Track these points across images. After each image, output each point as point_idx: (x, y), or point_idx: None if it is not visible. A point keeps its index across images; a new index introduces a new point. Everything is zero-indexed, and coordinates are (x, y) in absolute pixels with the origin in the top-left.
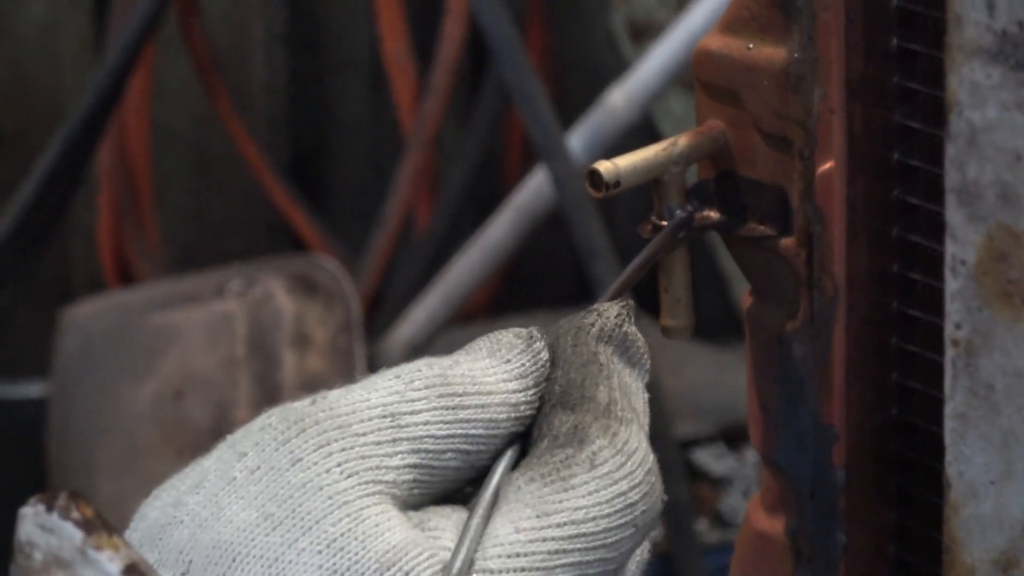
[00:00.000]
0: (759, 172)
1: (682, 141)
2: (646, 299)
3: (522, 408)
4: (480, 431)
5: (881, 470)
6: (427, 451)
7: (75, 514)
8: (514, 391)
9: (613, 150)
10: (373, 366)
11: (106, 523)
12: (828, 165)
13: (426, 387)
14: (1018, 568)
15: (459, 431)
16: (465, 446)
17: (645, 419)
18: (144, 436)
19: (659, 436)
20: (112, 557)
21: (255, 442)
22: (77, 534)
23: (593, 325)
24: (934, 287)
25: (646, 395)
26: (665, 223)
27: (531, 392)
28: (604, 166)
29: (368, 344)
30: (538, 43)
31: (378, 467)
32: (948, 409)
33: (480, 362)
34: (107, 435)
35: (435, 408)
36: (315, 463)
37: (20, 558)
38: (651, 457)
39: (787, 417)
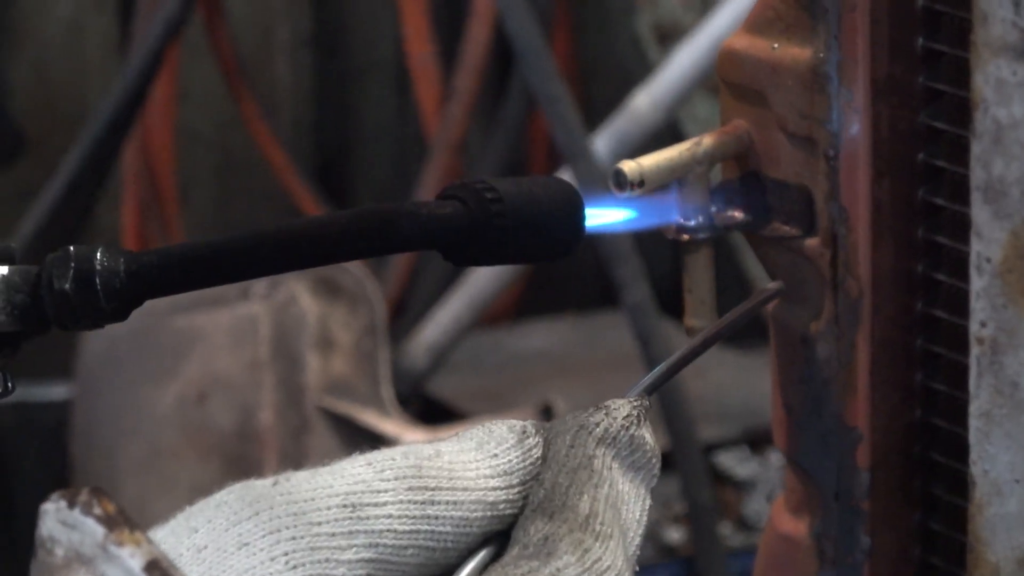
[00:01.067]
0: (784, 172)
1: (707, 141)
2: (670, 301)
3: (501, 507)
4: (449, 528)
5: (906, 472)
6: (386, 546)
7: (97, 510)
8: (494, 488)
9: (638, 153)
10: (397, 369)
11: (128, 519)
12: (853, 166)
13: (396, 478)
14: None
15: (425, 527)
16: (430, 543)
17: (638, 530)
18: (167, 438)
19: (683, 440)
20: (134, 553)
21: (208, 519)
22: (99, 530)
23: (598, 425)
24: (959, 288)
25: (647, 503)
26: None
27: (515, 491)
28: (629, 165)
29: (392, 347)
30: (563, 46)
31: (327, 560)
32: (973, 408)
33: (465, 454)
34: (130, 437)
35: (401, 501)
36: (262, 550)
37: (42, 554)
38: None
39: (811, 418)
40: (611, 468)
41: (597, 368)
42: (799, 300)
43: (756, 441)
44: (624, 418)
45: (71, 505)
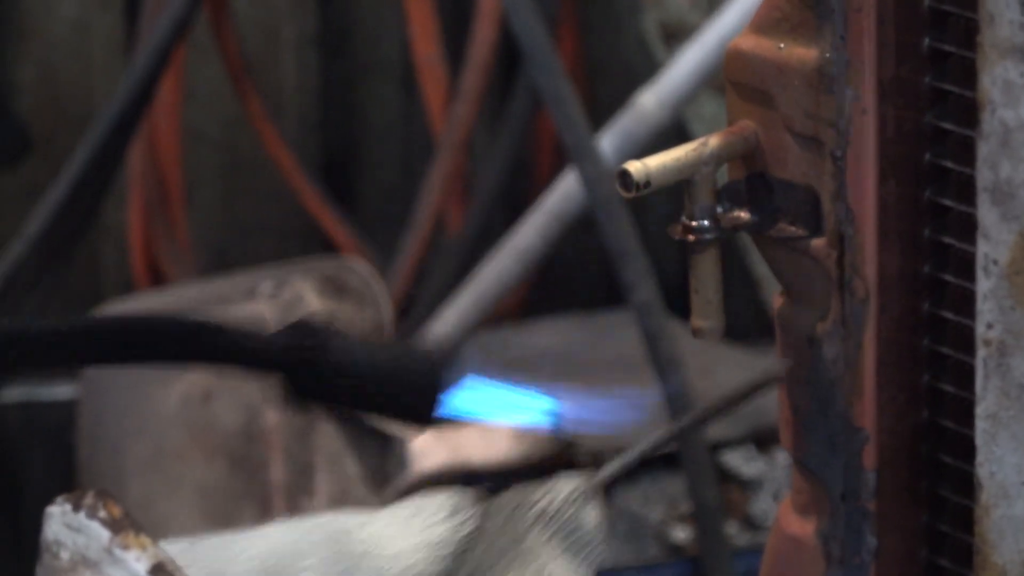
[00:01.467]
0: (790, 173)
1: (713, 141)
2: (677, 301)
3: None
4: None
5: (912, 473)
6: None
7: (102, 513)
8: (421, 561)
9: (644, 153)
10: None
11: (133, 522)
12: (860, 166)
13: (323, 540)
14: None
15: None
16: None
17: None
18: (172, 438)
19: (689, 439)
20: (139, 556)
21: None
22: (104, 533)
23: (536, 504)
24: (966, 288)
25: None
26: (695, 223)
27: (442, 564)
28: (634, 166)
29: None
30: (569, 46)
31: None
32: (979, 409)
33: (396, 524)
34: (136, 437)
35: (324, 568)
36: None
37: (47, 557)
38: None
39: (818, 419)
40: (545, 546)
41: (604, 367)
42: (805, 301)
43: (762, 440)
44: (565, 496)
45: (76, 508)
